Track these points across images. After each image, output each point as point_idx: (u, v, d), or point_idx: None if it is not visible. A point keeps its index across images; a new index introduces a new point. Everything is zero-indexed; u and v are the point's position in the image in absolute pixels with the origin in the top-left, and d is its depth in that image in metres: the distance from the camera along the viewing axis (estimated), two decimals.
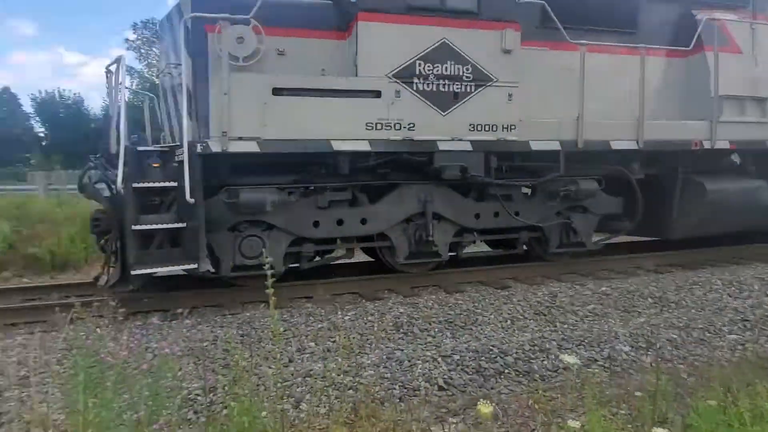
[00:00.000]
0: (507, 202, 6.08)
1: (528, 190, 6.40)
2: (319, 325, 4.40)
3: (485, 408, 1.93)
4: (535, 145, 5.84)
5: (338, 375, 3.32)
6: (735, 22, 6.80)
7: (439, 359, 3.75)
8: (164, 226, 4.76)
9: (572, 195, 6.22)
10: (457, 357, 3.79)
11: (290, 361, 3.71)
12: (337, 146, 5.12)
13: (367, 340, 4.11)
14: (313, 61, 5.23)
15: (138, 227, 4.61)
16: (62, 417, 2.40)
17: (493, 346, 3.98)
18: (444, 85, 5.40)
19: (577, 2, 6.27)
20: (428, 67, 5.32)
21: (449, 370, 3.62)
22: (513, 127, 5.66)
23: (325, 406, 3.00)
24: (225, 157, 4.95)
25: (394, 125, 5.26)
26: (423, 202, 5.72)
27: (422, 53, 5.30)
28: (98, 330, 2.32)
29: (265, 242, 5.20)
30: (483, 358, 3.79)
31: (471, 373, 3.61)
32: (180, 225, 4.77)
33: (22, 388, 2.62)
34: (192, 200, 4.56)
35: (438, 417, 3.08)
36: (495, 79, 5.55)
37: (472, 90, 5.49)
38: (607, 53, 6.27)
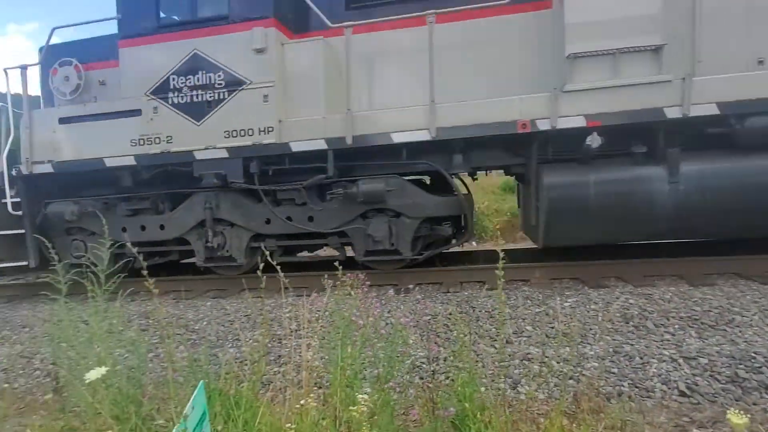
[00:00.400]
0: (299, 206, 5.83)
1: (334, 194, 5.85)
2: (537, 310, 4.33)
3: (737, 418, 1.58)
4: (296, 146, 5.54)
5: (558, 362, 3.23)
6: None
7: (680, 360, 3.30)
8: (11, 231, 6.35)
9: (356, 197, 5.54)
10: (704, 361, 3.27)
11: (508, 342, 3.77)
12: (109, 163, 5.98)
13: (590, 329, 3.87)
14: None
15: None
16: (319, 364, 2.98)
17: (756, 353, 3.30)
18: (197, 95, 5.64)
19: None
20: (181, 80, 5.66)
21: (693, 375, 3.15)
22: (270, 129, 5.51)
23: (543, 392, 2.97)
24: (53, 177, 6.22)
25: (154, 139, 5.80)
26: (205, 209, 5.99)
27: (175, 67, 5.66)
28: (351, 294, 2.78)
29: (86, 245, 6.31)
30: (742, 365, 3.18)
31: (724, 381, 3.07)
32: (20, 231, 6.38)
33: (293, 338, 3.33)
34: (18, 213, 6.30)
35: (678, 425, 2.73)
36: (249, 82, 5.51)
37: (226, 96, 5.57)
38: (389, 29, 5.51)
